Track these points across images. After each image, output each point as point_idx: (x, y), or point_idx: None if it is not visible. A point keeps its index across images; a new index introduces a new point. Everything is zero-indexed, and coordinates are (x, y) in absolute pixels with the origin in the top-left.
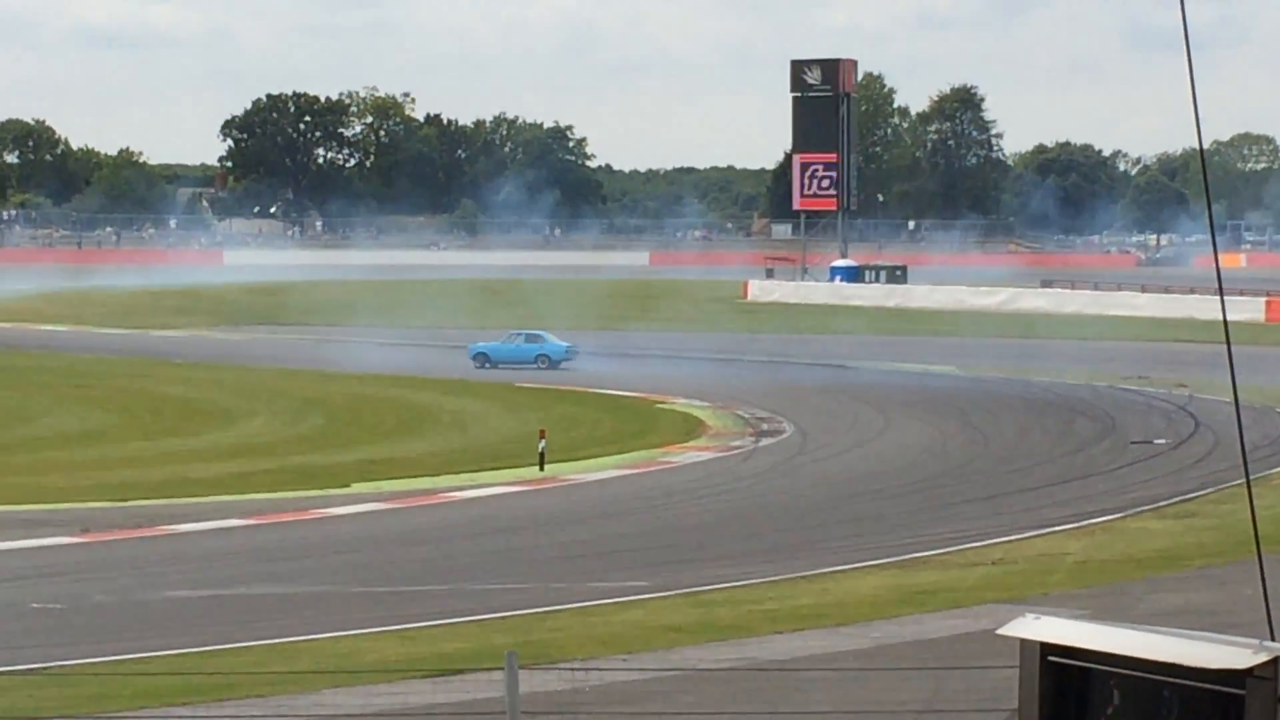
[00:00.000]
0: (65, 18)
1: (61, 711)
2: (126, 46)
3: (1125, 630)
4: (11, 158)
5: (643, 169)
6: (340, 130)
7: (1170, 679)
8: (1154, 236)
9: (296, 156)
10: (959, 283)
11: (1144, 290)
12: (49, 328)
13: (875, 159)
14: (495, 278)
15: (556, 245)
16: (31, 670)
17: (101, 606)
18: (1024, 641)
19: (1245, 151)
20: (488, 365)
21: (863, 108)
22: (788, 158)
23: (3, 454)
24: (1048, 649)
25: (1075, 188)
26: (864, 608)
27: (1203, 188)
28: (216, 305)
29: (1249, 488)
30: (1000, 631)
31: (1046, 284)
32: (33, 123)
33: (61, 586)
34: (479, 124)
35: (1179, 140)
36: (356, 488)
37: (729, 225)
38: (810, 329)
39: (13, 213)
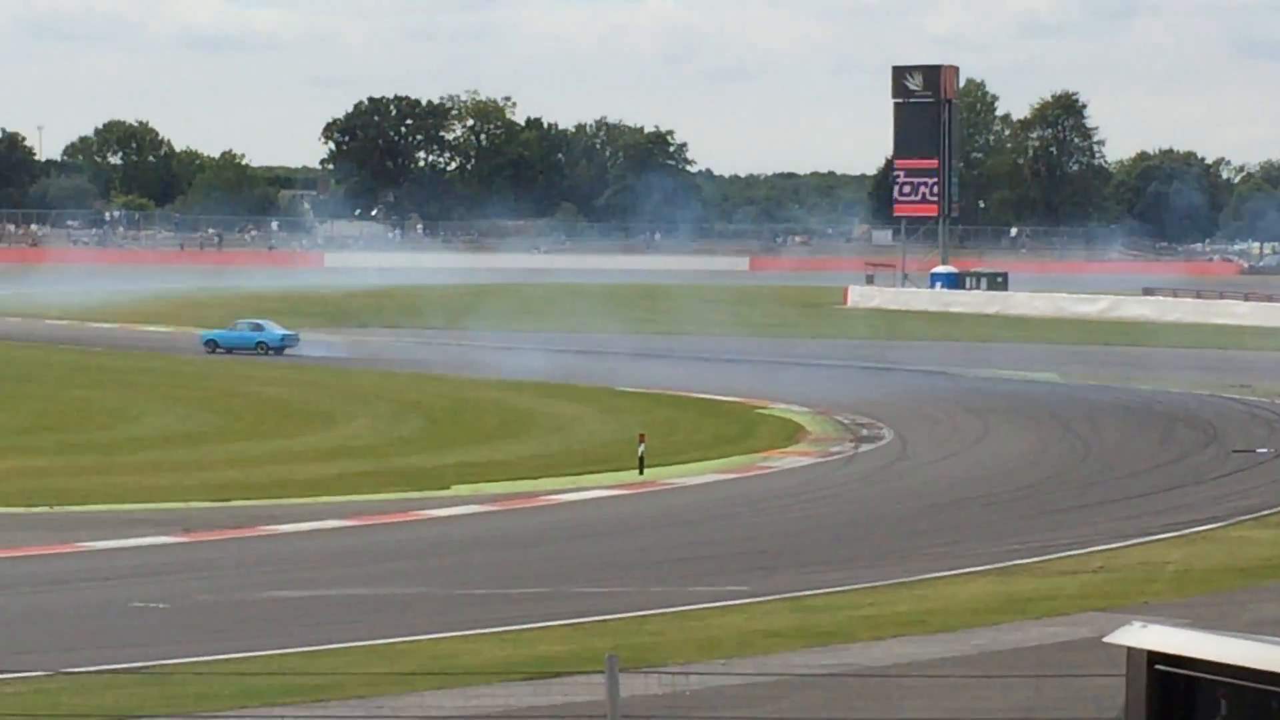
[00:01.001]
0: (169, 21)
1: (163, 711)
2: (230, 49)
3: (1234, 639)
4: (115, 159)
5: (743, 174)
6: (441, 133)
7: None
8: (1257, 245)
9: (398, 159)
10: (1060, 290)
11: (1246, 299)
12: (151, 329)
13: (977, 165)
14: (595, 282)
15: (657, 250)
16: (134, 669)
17: (203, 606)
18: (1131, 650)
19: None
20: (218, 350)
21: (964, 114)
22: (889, 164)
23: (106, 454)
24: (1155, 658)
25: (1178, 195)
26: (964, 614)
27: None
28: (318, 307)
29: None
30: (1107, 639)
31: (1148, 292)
32: (136, 125)
33: (163, 586)
34: (580, 128)
35: None
36: (456, 490)
37: (829, 231)
38: (911, 335)
39: (116, 214)
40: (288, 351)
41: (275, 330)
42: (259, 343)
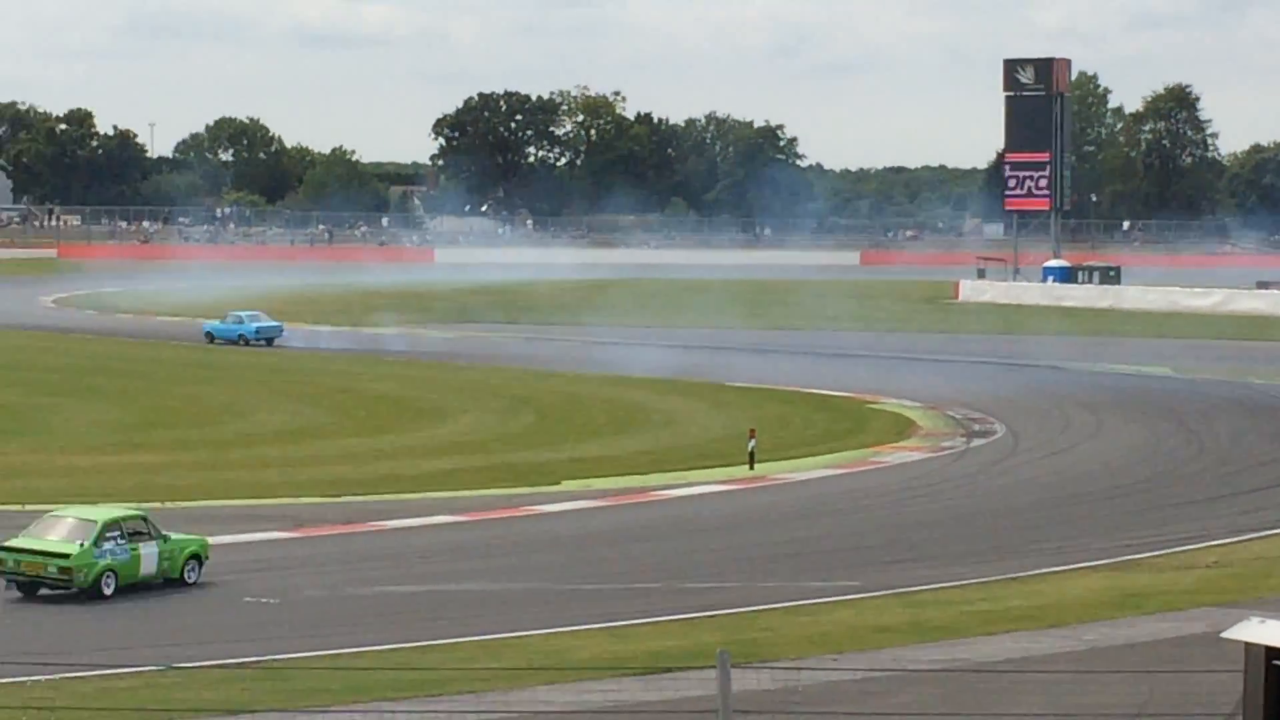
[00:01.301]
0: (280, 17)
1: (275, 705)
2: (340, 45)
3: None
4: (226, 156)
5: (854, 168)
6: (551, 129)
7: None
8: None
9: (508, 155)
10: (1173, 284)
11: None
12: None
13: (1089, 159)
14: (708, 277)
15: (767, 245)
16: (245, 664)
17: (314, 601)
18: (1249, 645)
19: None
20: (216, 341)
21: (1076, 107)
22: (1000, 157)
23: (218, 449)
24: (1273, 653)
25: None
26: (1077, 610)
27: None
28: (428, 303)
29: None
30: (1224, 635)
31: (1263, 285)
32: (247, 121)
33: (275, 580)
34: (690, 123)
35: None
36: (566, 485)
37: (941, 225)
38: (1022, 330)
39: (227, 210)
40: (276, 343)
41: (251, 323)
42: (240, 335)
